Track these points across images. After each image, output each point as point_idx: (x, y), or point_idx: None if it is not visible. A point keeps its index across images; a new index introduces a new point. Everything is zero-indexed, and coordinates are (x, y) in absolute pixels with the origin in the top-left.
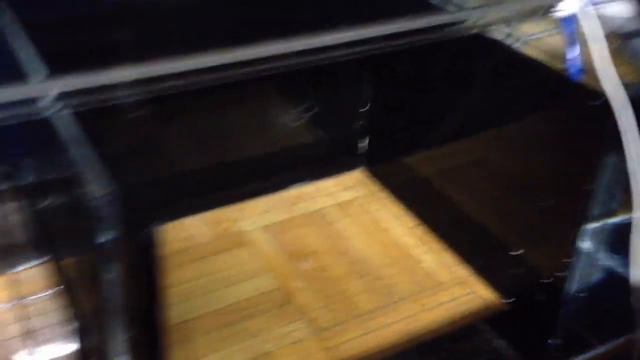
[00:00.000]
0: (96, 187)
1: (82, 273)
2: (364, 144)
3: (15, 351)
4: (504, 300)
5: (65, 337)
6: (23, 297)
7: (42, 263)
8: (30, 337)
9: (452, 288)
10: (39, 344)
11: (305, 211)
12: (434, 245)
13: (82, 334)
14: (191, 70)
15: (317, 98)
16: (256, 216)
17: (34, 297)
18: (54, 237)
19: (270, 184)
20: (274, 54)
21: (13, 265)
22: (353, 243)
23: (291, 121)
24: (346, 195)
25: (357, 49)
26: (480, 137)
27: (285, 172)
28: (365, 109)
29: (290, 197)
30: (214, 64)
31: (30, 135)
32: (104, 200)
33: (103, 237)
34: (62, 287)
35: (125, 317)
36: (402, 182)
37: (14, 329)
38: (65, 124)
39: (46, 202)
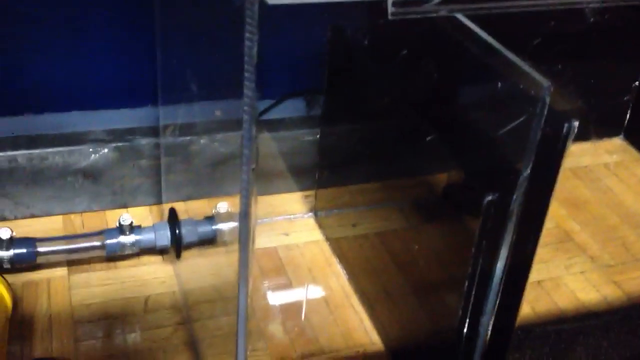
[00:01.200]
0: (537, 80)
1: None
2: (627, 115)
3: None
4: None
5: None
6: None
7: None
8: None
9: None
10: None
11: (573, 166)
12: None
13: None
14: None
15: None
16: None
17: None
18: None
19: None
20: None
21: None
22: (623, 198)
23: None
24: (609, 158)
25: None
26: None
27: None
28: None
29: None
30: None
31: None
32: (544, 93)
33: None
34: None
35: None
36: None
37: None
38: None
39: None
